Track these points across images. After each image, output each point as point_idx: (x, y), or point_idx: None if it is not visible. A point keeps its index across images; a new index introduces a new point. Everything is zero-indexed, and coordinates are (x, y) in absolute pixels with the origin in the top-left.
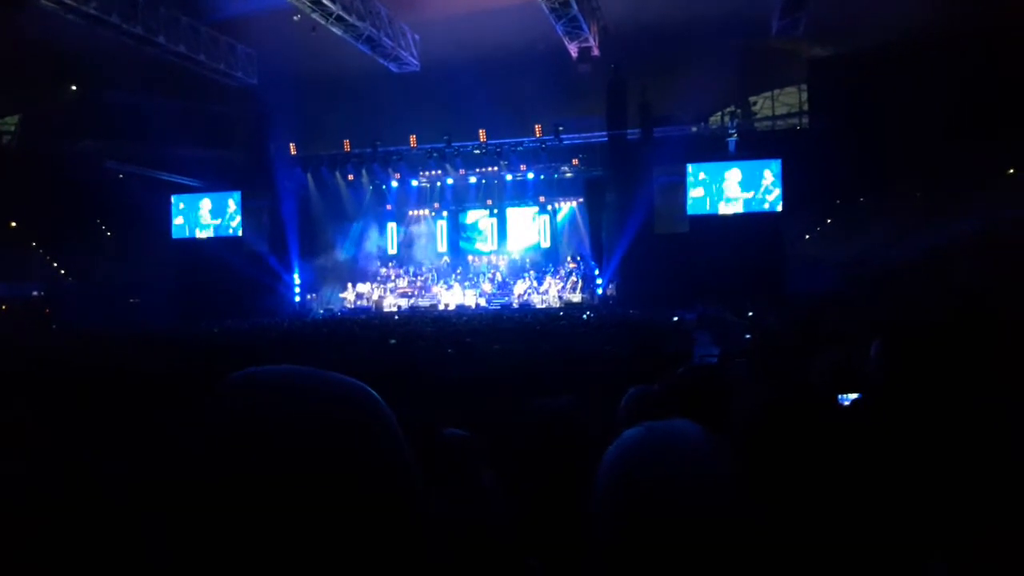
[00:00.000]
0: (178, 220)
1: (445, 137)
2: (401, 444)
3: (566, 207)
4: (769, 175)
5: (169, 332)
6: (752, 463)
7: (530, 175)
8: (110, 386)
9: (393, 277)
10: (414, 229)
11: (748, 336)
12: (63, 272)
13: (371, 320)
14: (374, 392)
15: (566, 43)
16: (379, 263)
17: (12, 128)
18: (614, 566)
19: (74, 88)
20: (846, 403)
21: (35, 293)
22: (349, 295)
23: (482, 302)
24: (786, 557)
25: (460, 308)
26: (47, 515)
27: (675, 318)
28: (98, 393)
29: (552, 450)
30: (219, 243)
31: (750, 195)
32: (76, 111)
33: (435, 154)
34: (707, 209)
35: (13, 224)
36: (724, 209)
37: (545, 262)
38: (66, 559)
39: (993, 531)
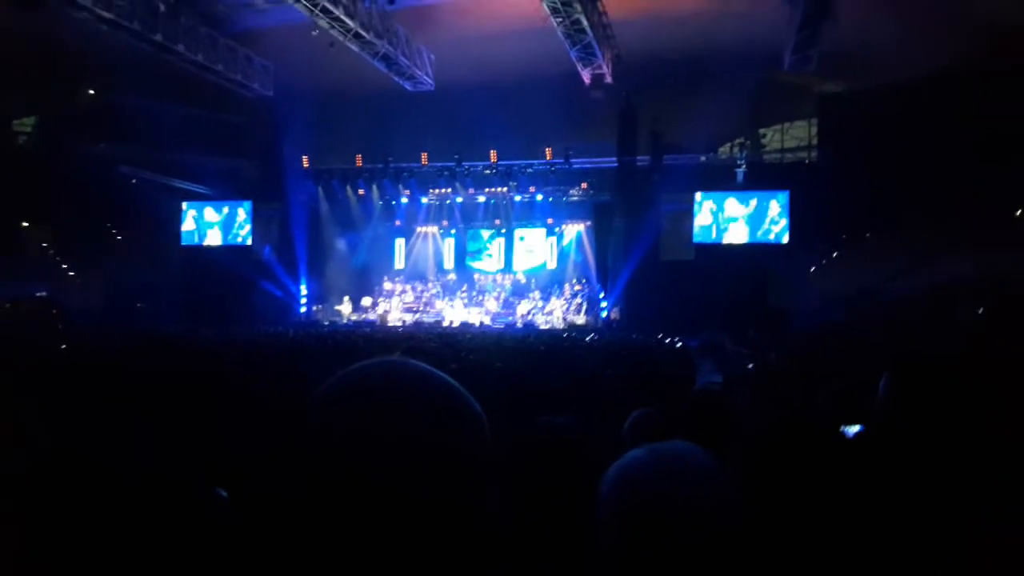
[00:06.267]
0: (188, 227)
1: (456, 156)
2: (487, 444)
3: (573, 230)
4: (776, 206)
5: (173, 336)
6: (755, 487)
7: (539, 197)
8: (116, 384)
9: (399, 292)
10: (421, 245)
11: (751, 365)
12: (71, 274)
13: (375, 333)
14: (468, 394)
15: (579, 69)
16: (386, 278)
17: (28, 129)
18: None
19: (91, 92)
20: (850, 435)
21: (40, 294)
22: (344, 308)
23: (486, 320)
24: None
25: (464, 325)
26: (53, 511)
27: (678, 343)
28: (104, 392)
29: (552, 468)
30: (228, 251)
31: (756, 226)
32: (92, 115)
33: (445, 172)
34: (713, 238)
35: (24, 224)
36: (730, 238)
37: (551, 283)
38: (71, 553)
39: (994, 560)
